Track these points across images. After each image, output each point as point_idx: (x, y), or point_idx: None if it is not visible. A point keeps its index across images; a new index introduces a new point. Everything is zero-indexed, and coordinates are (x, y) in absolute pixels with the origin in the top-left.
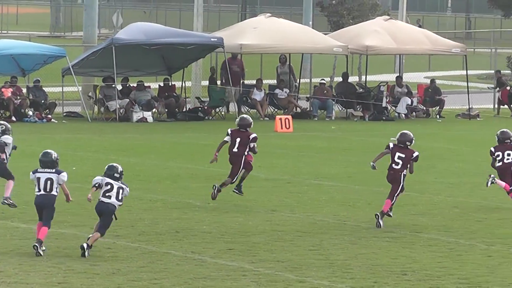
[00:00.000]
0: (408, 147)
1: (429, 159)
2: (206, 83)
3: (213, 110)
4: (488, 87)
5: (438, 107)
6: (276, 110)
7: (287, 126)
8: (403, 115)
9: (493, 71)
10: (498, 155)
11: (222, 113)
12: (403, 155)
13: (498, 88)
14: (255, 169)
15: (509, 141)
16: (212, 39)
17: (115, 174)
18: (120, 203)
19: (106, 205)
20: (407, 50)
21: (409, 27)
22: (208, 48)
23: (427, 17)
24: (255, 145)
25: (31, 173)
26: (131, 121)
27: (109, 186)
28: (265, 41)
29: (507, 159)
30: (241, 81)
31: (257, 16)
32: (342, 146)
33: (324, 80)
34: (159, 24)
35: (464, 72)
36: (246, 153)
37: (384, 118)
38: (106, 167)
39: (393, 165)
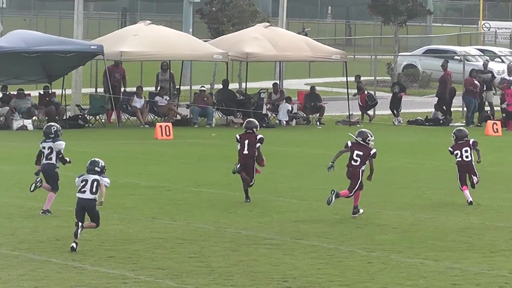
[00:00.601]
0: (368, 144)
1: (310, 166)
2: (86, 90)
3: (93, 118)
4: (353, 95)
5: (318, 114)
6: (156, 117)
7: (168, 134)
8: (284, 122)
9: (373, 78)
10: (456, 154)
11: (102, 120)
12: (361, 153)
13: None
14: (135, 176)
15: (466, 139)
16: (92, 47)
17: (96, 168)
18: (95, 196)
19: (86, 202)
20: (287, 57)
21: (289, 33)
22: (88, 56)
23: (307, 24)
24: (260, 146)
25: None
26: (11, 129)
27: (84, 182)
28: (145, 48)
29: (466, 156)
30: (123, 89)
31: (137, 23)
32: (222, 153)
33: (204, 87)
34: (39, 32)
35: (344, 79)
36: (255, 154)
37: (264, 125)
38: (88, 162)
39: (352, 162)
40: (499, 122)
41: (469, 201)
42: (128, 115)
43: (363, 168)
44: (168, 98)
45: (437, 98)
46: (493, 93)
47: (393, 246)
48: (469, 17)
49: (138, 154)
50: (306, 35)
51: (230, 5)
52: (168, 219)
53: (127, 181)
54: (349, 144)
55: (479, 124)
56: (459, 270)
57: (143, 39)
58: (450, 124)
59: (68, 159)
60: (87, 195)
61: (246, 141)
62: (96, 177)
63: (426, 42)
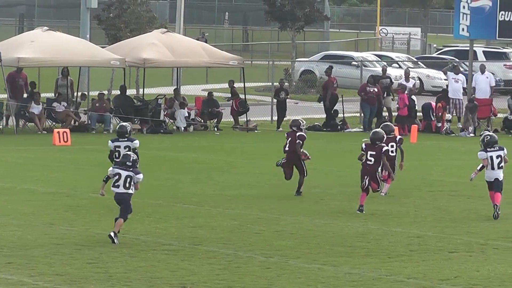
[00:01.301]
0: (378, 144)
1: (207, 172)
2: None
3: None
4: (226, 99)
5: (215, 120)
6: (54, 123)
7: (65, 140)
8: (182, 128)
9: (270, 84)
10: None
11: (0, 126)
12: (373, 152)
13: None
14: (33, 182)
15: (392, 134)
16: None
17: (127, 163)
18: (129, 191)
19: (120, 195)
20: (184, 63)
21: (186, 39)
22: None
23: (204, 30)
24: (301, 143)
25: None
26: None
27: (117, 176)
28: (43, 54)
29: (391, 151)
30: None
31: (34, 29)
32: None
33: (102, 93)
34: None
35: (241, 85)
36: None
37: (162, 131)
38: (121, 155)
39: (368, 162)
40: (398, 127)
41: (384, 193)
42: (25, 121)
43: (378, 167)
44: (65, 104)
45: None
46: (392, 99)
47: (292, 251)
48: (367, 23)
49: (35, 160)
50: (206, 41)
51: (128, 11)
52: (67, 225)
53: (25, 187)
54: (363, 146)
55: None
56: (358, 275)
57: (41, 45)
58: (346, 130)
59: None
60: (121, 189)
61: (289, 139)
62: (130, 173)
63: (323, 48)
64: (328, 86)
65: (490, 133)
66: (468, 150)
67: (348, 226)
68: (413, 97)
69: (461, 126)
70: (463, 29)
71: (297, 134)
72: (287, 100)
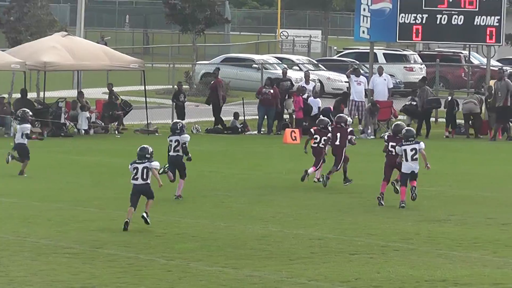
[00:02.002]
0: (400, 136)
1: (109, 175)
2: None
3: None
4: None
5: (116, 123)
6: None
7: None
8: (83, 131)
9: (171, 86)
10: (316, 138)
11: None
12: (394, 143)
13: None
14: None
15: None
16: None
17: (146, 155)
18: (148, 181)
19: (141, 186)
20: (85, 66)
21: (87, 43)
22: None
23: (105, 33)
24: (353, 138)
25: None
26: None
27: (135, 170)
28: None
29: (322, 143)
30: None
31: None
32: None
33: (2, 96)
34: None
35: (142, 87)
36: (346, 145)
37: (63, 134)
38: (138, 149)
39: (390, 152)
40: (298, 130)
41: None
42: None
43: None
44: None
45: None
46: (292, 101)
47: (193, 254)
48: (267, 26)
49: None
50: (105, 44)
51: (28, 14)
52: None
53: None
54: (385, 137)
55: (278, 133)
56: (259, 278)
57: None
58: (247, 133)
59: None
60: (140, 181)
61: (338, 134)
62: (146, 164)
63: (224, 51)
64: (217, 87)
65: (408, 127)
66: (368, 152)
67: (249, 229)
68: (314, 99)
69: (361, 128)
70: (363, 32)
71: (349, 129)
72: (187, 102)
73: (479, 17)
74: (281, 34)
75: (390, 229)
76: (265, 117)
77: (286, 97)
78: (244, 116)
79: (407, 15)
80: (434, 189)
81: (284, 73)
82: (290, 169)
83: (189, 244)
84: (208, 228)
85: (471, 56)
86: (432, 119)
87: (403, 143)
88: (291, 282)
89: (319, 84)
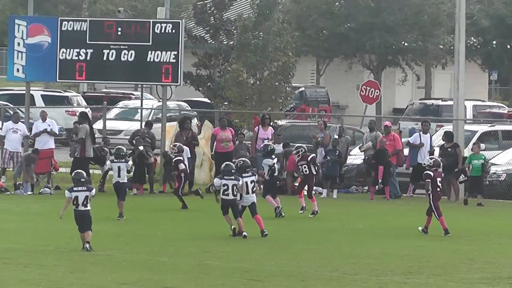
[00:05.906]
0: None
1: None
2: None
3: None
4: None
5: None
6: None
7: None
8: None
9: None
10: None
11: None
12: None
13: None
14: None
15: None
16: None
17: (81, 179)
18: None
19: (85, 212)
20: None
21: None
22: None
23: None
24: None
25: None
26: None
27: (78, 198)
28: None
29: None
30: None
31: None
32: None
33: None
34: None
35: None
36: None
37: None
38: (73, 173)
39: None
40: None
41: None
42: None
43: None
44: None
45: None
46: None
47: None
48: None
49: None
50: None
51: None
52: None
53: None
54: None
55: None
56: None
57: None
58: None
59: None
60: (88, 209)
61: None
62: (86, 191)
63: None
64: None
65: (243, 159)
66: (23, 210)
67: None
68: None
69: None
70: (18, 70)
71: None
72: None
73: (153, 52)
74: None
75: None
76: None
77: None
78: None
79: (68, 50)
80: None
81: None
82: None
83: None
84: None
85: (143, 97)
86: None
87: (242, 175)
88: None
89: None
